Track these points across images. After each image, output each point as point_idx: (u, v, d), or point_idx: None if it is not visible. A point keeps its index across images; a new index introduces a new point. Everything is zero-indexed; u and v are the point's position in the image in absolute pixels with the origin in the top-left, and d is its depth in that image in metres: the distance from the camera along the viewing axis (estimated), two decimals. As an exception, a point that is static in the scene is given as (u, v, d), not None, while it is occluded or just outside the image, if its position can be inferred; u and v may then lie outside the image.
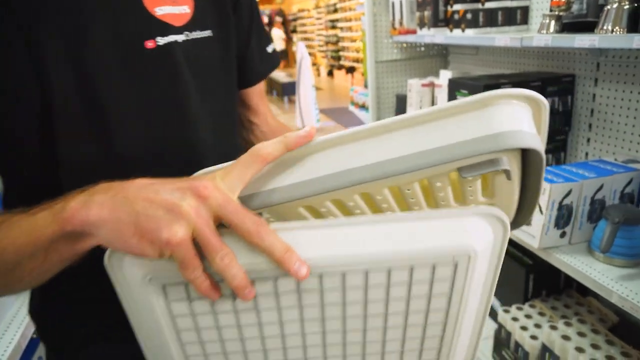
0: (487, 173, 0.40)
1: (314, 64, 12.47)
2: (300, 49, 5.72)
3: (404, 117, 0.40)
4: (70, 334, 0.64)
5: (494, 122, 0.38)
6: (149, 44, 0.56)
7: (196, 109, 0.61)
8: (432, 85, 2.09)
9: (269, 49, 0.78)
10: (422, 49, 2.36)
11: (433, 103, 2.10)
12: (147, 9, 0.56)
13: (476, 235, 0.40)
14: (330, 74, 12.79)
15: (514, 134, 0.37)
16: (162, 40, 0.57)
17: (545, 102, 0.41)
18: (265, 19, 15.51)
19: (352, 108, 3.13)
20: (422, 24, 1.99)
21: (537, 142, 0.39)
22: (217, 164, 0.46)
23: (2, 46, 0.50)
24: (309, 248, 0.39)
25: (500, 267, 0.43)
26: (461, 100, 0.39)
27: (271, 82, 9.58)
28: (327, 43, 12.35)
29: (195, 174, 0.46)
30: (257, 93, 0.79)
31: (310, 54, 6.86)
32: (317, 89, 7.12)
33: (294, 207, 0.44)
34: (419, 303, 0.43)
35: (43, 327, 0.66)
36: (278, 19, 15.35)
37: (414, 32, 2.07)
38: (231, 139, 0.71)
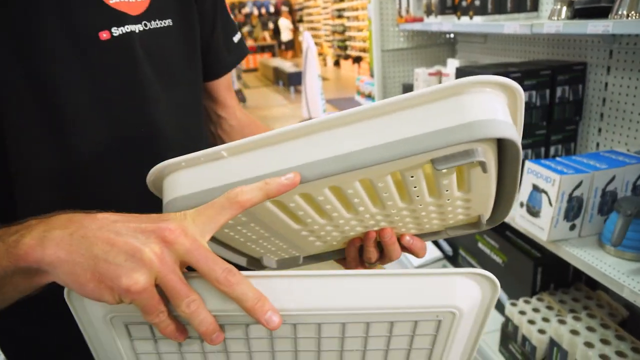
0: (462, 165, 0.38)
1: (320, 54, 12.40)
2: (306, 39, 5.68)
3: (370, 106, 0.38)
4: (27, 344, 0.62)
5: (467, 111, 0.36)
6: (104, 35, 0.52)
7: (157, 103, 0.58)
8: (439, 74, 2.05)
9: (236, 39, 0.74)
10: (429, 37, 2.31)
11: (440, 92, 2.07)
12: None
13: (463, 295, 0.39)
14: (336, 63, 12.71)
15: (488, 123, 0.35)
16: (117, 31, 0.53)
17: (520, 90, 0.39)
18: (272, 9, 15.42)
19: (358, 98, 3.09)
20: (429, 12, 1.95)
21: (513, 131, 0.37)
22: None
23: None
24: (283, 297, 0.37)
25: (487, 322, 0.42)
26: (432, 88, 0.37)
27: (277, 72, 9.54)
28: (333, 32, 12.25)
29: (161, 164, 0.43)
30: (224, 85, 0.75)
31: (316, 43, 6.81)
32: (324, 79, 7.08)
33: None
34: (398, 355, 0.42)
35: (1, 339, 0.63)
36: (284, 8, 15.25)
37: (420, 20, 2.03)
38: (196, 132, 0.68)
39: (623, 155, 1.23)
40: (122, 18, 0.54)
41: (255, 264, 0.57)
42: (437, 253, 2.11)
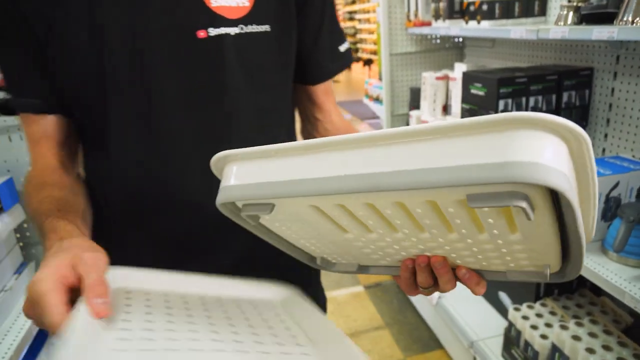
0: (504, 208, 0.35)
1: (331, 57, 12.33)
2: (316, 41, 5.68)
3: (413, 128, 0.36)
4: None
5: (510, 149, 0.32)
6: (201, 34, 0.59)
7: (238, 101, 0.63)
8: (446, 78, 2.05)
9: (342, 48, 0.76)
10: (438, 41, 2.32)
11: (447, 96, 2.07)
12: (203, 0, 0.59)
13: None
14: (347, 66, 12.70)
15: (529, 166, 0.31)
16: (213, 31, 0.59)
17: (584, 136, 0.33)
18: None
19: (366, 101, 3.10)
20: (437, 16, 1.95)
21: (559, 179, 0.31)
22: None
23: (69, 16, 0.56)
24: None
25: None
26: (479, 119, 0.33)
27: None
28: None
29: (221, 153, 0.47)
30: (323, 90, 0.78)
31: (327, 46, 6.83)
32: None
33: (300, 204, 0.44)
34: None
35: None
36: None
37: (429, 24, 2.04)
38: (276, 134, 0.70)
39: (628, 161, 1.23)
40: (219, 20, 0.59)
41: (313, 261, 0.59)
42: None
